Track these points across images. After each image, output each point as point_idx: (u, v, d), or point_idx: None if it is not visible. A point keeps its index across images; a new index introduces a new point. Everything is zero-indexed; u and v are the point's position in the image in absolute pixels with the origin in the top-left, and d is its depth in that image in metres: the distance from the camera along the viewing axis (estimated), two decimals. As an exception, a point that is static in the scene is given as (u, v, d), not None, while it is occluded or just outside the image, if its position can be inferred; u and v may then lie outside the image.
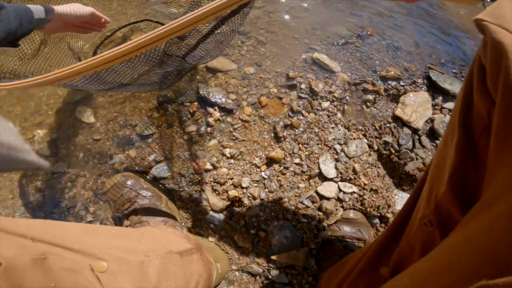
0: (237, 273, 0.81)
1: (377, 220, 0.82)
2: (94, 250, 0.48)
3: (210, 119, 0.87)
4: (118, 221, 0.78)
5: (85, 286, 0.43)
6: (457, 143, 0.32)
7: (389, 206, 0.82)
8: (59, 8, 0.72)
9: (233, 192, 0.81)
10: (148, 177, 0.85)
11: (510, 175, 0.26)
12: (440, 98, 0.97)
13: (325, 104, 0.92)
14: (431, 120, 0.92)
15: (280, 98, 0.92)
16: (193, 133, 0.87)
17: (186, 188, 0.85)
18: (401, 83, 0.99)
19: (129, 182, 0.79)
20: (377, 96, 0.98)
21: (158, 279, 0.56)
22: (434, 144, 0.90)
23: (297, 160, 0.84)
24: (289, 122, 0.88)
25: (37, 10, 0.69)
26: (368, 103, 0.96)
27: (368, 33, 1.14)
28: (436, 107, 0.95)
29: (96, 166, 0.94)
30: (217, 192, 0.82)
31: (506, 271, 0.24)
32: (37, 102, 1.10)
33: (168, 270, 0.59)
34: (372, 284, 0.48)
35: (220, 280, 0.80)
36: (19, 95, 1.12)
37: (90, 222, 0.90)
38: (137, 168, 0.88)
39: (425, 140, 0.90)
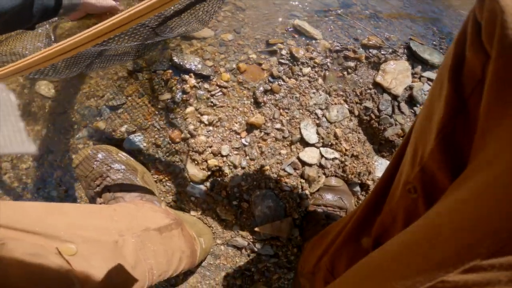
0: (222, 247, 0.78)
1: (358, 188, 0.82)
2: (59, 232, 0.43)
3: (186, 86, 0.82)
4: (91, 199, 0.71)
5: (55, 271, 0.38)
6: (446, 98, 0.30)
7: (369, 173, 0.82)
8: None
9: (212, 161, 0.77)
10: (120, 149, 0.78)
11: (504, 139, 0.23)
12: (419, 67, 0.97)
13: (306, 70, 0.89)
14: (410, 88, 0.92)
15: (260, 64, 0.87)
16: (168, 101, 0.81)
17: (163, 159, 0.80)
18: (382, 52, 0.98)
19: (99, 155, 0.73)
20: (358, 63, 0.96)
21: (136, 259, 0.52)
22: (413, 111, 0.91)
23: (278, 126, 0.81)
24: (269, 88, 0.84)
25: None
26: (349, 70, 0.94)
27: (352, 1, 1.10)
28: (415, 75, 0.97)
29: (62, 142, 0.87)
30: (196, 162, 0.78)
31: (505, 248, 0.20)
32: None
33: (146, 249, 0.55)
34: (355, 255, 0.46)
35: (205, 255, 0.77)
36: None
37: (62, 201, 0.83)
38: (108, 141, 0.81)
39: (404, 106, 0.91)
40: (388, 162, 0.72)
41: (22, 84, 0.96)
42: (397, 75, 0.95)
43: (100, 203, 0.71)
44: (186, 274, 0.79)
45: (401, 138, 0.86)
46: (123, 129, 0.79)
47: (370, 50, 0.98)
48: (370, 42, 0.99)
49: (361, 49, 0.98)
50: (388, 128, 0.86)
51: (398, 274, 0.25)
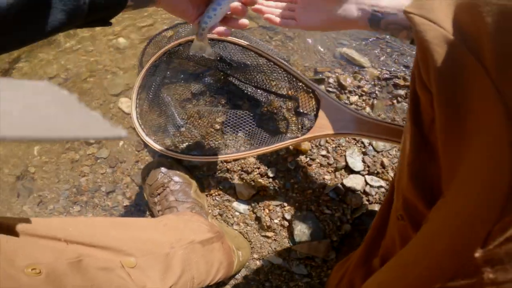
0: (258, 261, 0.83)
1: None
2: (123, 246, 0.52)
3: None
4: (152, 205, 0.82)
5: (119, 283, 0.46)
6: (410, 138, 0.33)
7: None
8: None
9: (259, 181, 0.84)
10: (181, 164, 0.89)
11: (464, 171, 0.26)
12: None
13: (354, 98, 0.92)
14: None
15: (308, 92, 0.91)
16: (224, 123, 0.90)
17: (215, 176, 0.88)
18: None
19: (163, 168, 0.84)
20: (409, 90, 0.94)
21: (182, 269, 0.60)
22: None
23: (323, 152, 0.85)
24: (288, 111, 0.88)
25: None
26: (400, 98, 0.94)
27: None
28: None
29: (133, 153, 1.01)
30: (244, 181, 0.85)
31: (463, 272, 0.23)
32: (83, 94, 1.19)
33: (191, 260, 0.63)
34: (367, 275, 0.50)
35: (241, 267, 0.82)
36: (69, 87, 1.22)
37: (126, 206, 0.96)
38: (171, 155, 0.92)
39: None
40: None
41: (106, 99, 1.13)
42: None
43: (158, 210, 0.82)
44: (219, 284, 0.85)
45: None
46: (184, 145, 0.90)
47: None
48: (423, 70, 0.98)
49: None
50: None
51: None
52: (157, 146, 0.85)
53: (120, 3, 0.46)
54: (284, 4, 0.61)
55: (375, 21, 0.53)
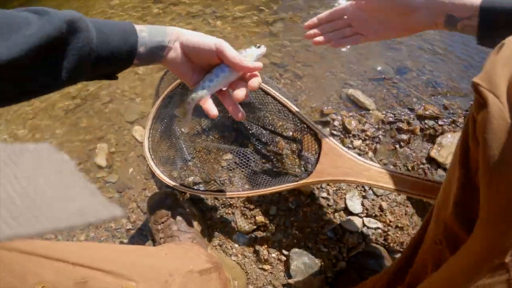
0: (253, 292, 0.85)
1: (399, 255, 0.82)
2: (125, 271, 0.56)
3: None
4: (155, 232, 0.86)
5: None
6: (458, 180, 0.40)
7: None
8: (176, 29, 0.53)
9: (260, 218, 0.87)
10: (186, 195, 0.93)
11: (484, 220, 0.33)
12: None
13: (357, 143, 0.95)
14: None
15: (282, 125, 0.96)
16: (230, 161, 0.95)
17: (218, 210, 0.92)
18: (439, 123, 0.98)
19: (169, 199, 0.89)
20: (412, 135, 0.98)
21: None
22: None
23: (324, 194, 0.88)
24: (288, 153, 0.92)
25: (157, 32, 0.51)
26: (402, 143, 0.97)
27: (407, 67, 1.13)
28: None
29: (142, 181, 1.06)
30: (245, 216, 0.89)
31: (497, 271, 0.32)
32: (100, 117, 1.27)
33: None
34: None
35: (236, 297, 0.84)
36: (88, 110, 1.30)
37: (128, 229, 1.01)
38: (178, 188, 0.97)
39: (441, 175, 0.90)
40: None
41: (122, 125, 1.20)
42: (454, 149, 0.94)
43: (160, 237, 0.86)
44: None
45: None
46: (190, 179, 0.95)
47: (426, 122, 0.99)
48: (426, 112, 0.99)
49: (416, 120, 1.00)
50: None
51: None
52: (165, 178, 0.90)
53: (128, 60, 0.49)
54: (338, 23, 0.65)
55: (452, 23, 0.55)
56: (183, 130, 0.96)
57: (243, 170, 0.92)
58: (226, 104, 0.55)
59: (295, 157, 0.89)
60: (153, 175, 1.04)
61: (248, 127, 0.97)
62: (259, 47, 0.56)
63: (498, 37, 0.39)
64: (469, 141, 0.38)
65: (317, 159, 0.76)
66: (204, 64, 0.55)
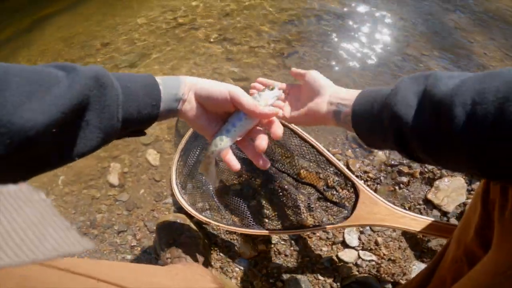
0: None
1: (389, 286, 0.88)
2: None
3: (255, 182, 1.02)
4: (160, 251, 0.91)
5: None
6: (479, 213, 0.50)
7: (404, 274, 0.88)
8: (189, 78, 0.52)
9: (262, 246, 0.93)
10: (193, 219, 0.99)
11: (497, 246, 0.43)
12: (477, 183, 1.00)
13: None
14: (464, 204, 0.97)
15: (318, 173, 1.03)
16: (237, 188, 1.02)
17: (223, 235, 0.98)
18: (439, 167, 1.04)
19: (178, 221, 0.94)
20: (412, 178, 1.04)
21: None
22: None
23: (324, 227, 0.93)
24: (322, 196, 0.98)
25: (171, 83, 0.50)
26: (402, 185, 1.03)
27: None
28: (472, 192, 0.99)
29: (151, 202, 1.12)
30: (249, 243, 0.94)
31: None
32: (134, 139, 1.34)
33: None
34: None
35: (234, 318, 0.87)
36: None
37: (133, 246, 1.05)
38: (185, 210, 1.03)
39: (453, 221, 0.95)
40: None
41: (136, 147, 1.28)
42: (450, 192, 1.00)
43: (167, 258, 0.90)
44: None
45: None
46: (198, 205, 1.01)
47: (426, 166, 1.06)
48: (427, 158, 1.07)
49: (416, 164, 1.06)
50: (432, 239, 0.92)
51: None
52: (188, 208, 0.96)
53: (153, 115, 0.48)
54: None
55: (338, 114, 0.54)
56: (213, 186, 1.01)
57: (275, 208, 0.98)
58: (249, 154, 0.52)
59: (331, 203, 0.95)
60: (166, 196, 1.11)
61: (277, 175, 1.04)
62: (272, 89, 0.55)
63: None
64: (490, 184, 0.48)
65: (354, 206, 0.84)
66: (220, 113, 0.53)
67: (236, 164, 0.50)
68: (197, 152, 1.04)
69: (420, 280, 0.66)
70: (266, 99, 0.54)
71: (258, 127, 0.53)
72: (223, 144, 0.50)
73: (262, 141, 0.49)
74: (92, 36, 1.90)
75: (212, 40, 1.64)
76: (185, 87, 0.50)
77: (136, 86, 0.45)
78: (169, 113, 0.50)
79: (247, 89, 0.57)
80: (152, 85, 0.48)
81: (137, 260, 1.02)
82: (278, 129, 0.51)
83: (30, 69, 0.36)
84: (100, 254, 1.06)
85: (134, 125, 0.47)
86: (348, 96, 0.54)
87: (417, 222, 0.79)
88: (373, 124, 0.48)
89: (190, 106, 0.51)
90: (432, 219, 0.79)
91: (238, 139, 0.51)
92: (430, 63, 1.39)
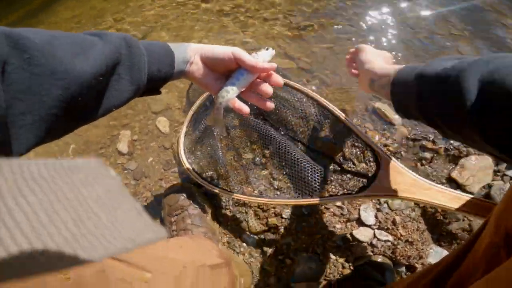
0: (256, 291, 0.88)
1: (403, 269, 0.85)
2: (142, 261, 0.59)
3: (266, 151, 0.97)
4: (168, 224, 0.90)
5: None
6: None
7: (420, 258, 0.84)
8: (193, 44, 0.61)
9: (273, 220, 0.90)
10: (201, 189, 0.97)
11: None
12: (505, 164, 0.94)
13: (377, 155, 0.96)
14: (489, 186, 0.91)
15: (335, 144, 0.97)
16: (249, 160, 0.98)
17: (232, 208, 0.96)
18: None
19: (185, 193, 0.92)
20: (435, 155, 0.99)
21: None
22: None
23: (338, 203, 0.89)
24: (338, 168, 0.93)
25: (180, 48, 0.59)
26: (424, 161, 0.98)
27: None
28: (498, 173, 0.94)
29: (159, 171, 1.11)
30: (258, 217, 0.91)
31: None
32: (127, 105, 1.32)
33: (199, 282, 0.70)
34: None
35: (241, 294, 0.87)
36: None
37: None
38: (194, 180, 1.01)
39: None
40: (445, 251, 0.86)
41: (146, 115, 1.26)
42: (476, 172, 0.94)
43: (173, 230, 0.89)
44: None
45: (466, 233, 0.87)
46: (208, 174, 0.98)
47: (452, 142, 0.99)
48: (455, 133, 1.00)
49: (441, 140, 1.00)
50: (454, 222, 0.87)
51: None
52: (193, 172, 0.93)
53: (168, 76, 0.58)
54: None
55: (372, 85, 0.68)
56: (221, 135, 1.00)
57: (291, 176, 0.91)
58: (254, 101, 0.61)
59: (350, 172, 0.89)
60: (173, 166, 1.09)
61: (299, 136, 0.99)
62: (267, 49, 0.62)
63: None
64: None
65: (375, 175, 0.77)
66: (223, 71, 0.61)
67: (245, 107, 0.59)
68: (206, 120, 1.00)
69: (446, 265, 0.60)
70: (264, 57, 0.60)
71: (258, 80, 0.60)
72: (230, 94, 0.58)
73: (267, 88, 0.59)
74: (103, 12, 1.88)
75: (225, 12, 1.61)
76: (191, 51, 0.59)
77: (156, 49, 0.55)
78: (180, 74, 0.59)
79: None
80: (168, 48, 0.57)
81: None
82: (277, 78, 0.60)
83: (70, 35, 0.44)
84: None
85: (155, 81, 0.56)
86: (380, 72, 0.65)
87: (445, 196, 0.71)
88: (407, 84, 0.54)
89: (197, 67, 0.60)
90: (465, 194, 0.70)
91: (242, 90, 0.59)
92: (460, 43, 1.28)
